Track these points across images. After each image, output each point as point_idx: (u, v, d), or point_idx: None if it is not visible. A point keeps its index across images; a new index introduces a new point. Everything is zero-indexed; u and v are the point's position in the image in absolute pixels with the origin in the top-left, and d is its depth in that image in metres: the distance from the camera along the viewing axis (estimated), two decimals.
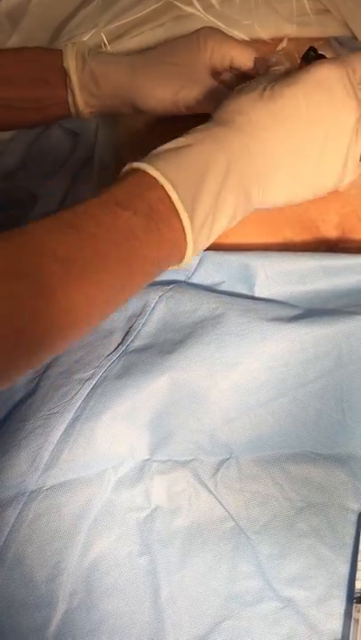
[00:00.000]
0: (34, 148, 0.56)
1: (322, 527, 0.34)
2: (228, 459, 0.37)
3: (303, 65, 0.41)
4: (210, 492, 0.35)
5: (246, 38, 0.59)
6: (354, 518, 0.35)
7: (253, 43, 0.48)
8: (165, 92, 0.46)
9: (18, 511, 0.34)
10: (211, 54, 0.46)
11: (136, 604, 0.33)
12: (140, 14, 0.58)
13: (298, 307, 0.40)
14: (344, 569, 0.33)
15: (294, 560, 0.33)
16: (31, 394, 0.38)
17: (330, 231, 0.50)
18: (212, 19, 0.59)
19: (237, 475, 0.36)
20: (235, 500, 0.35)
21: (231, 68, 0.48)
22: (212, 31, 0.48)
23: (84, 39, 0.58)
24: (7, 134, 0.60)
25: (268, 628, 0.32)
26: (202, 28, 0.48)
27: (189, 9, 0.59)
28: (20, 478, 0.35)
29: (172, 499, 0.35)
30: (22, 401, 0.38)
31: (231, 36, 0.48)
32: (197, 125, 0.36)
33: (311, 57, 0.44)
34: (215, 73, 0.48)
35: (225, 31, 0.59)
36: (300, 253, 0.43)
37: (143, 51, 0.50)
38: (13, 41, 0.64)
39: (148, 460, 0.36)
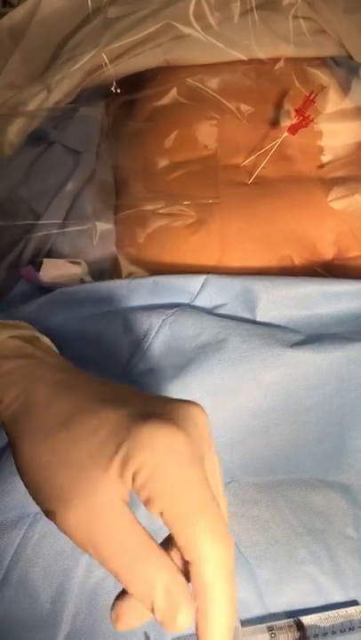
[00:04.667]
0: (36, 165, 0.57)
1: (321, 554, 0.35)
2: (229, 482, 0.37)
3: None
4: None
5: (244, 58, 0.60)
6: (353, 546, 0.35)
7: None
8: None
9: (22, 532, 0.35)
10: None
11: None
12: (140, 35, 0.59)
13: (299, 332, 0.41)
14: (339, 597, 0.34)
15: (292, 587, 0.34)
16: None
17: (326, 249, 0.51)
18: (211, 39, 0.60)
19: (239, 499, 0.36)
20: (236, 523, 0.35)
21: None
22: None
23: (86, 59, 0.59)
24: (9, 151, 0.61)
25: None
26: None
27: (188, 30, 0.60)
28: (25, 500, 0.35)
29: None
30: None
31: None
32: None
33: None
34: None
35: (224, 51, 0.60)
36: (301, 278, 0.44)
37: None
38: (14, 59, 0.65)
39: None
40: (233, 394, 0.37)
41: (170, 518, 0.23)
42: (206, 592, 0.23)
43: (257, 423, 0.38)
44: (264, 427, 0.38)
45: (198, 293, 0.43)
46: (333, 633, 0.33)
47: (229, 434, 0.37)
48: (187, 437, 0.24)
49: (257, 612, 0.33)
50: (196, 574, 0.23)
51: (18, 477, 0.35)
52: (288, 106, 0.57)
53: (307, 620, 0.33)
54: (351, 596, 0.34)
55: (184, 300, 0.44)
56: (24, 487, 0.35)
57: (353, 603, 0.34)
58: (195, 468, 0.24)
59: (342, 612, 0.34)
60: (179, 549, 0.23)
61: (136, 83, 0.61)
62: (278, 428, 0.37)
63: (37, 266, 0.48)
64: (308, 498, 0.36)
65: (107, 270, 0.50)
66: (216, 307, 0.44)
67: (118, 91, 0.60)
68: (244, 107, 0.57)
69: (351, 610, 0.34)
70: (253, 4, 0.60)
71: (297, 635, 0.32)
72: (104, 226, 0.52)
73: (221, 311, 0.43)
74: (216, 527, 0.23)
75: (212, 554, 0.23)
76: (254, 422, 0.38)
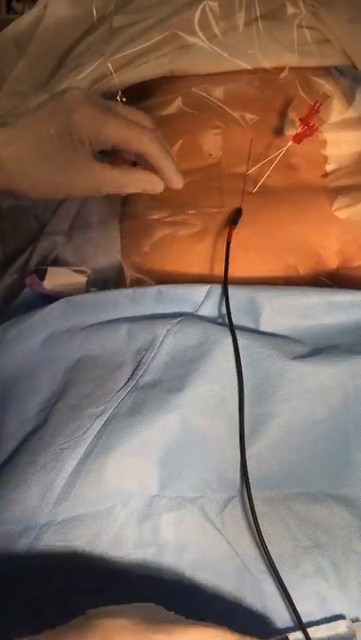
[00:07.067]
0: None
1: (326, 568, 0.35)
2: (235, 496, 0.37)
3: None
4: (217, 529, 0.36)
5: (249, 67, 0.61)
6: (358, 560, 0.35)
7: (132, 122, 0.42)
8: (46, 189, 0.43)
9: (29, 544, 0.35)
10: (89, 143, 0.41)
11: None
12: (145, 44, 0.59)
13: (303, 342, 0.41)
14: (344, 609, 0.34)
15: (298, 601, 0.34)
16: (41, 426, 0.38)
17: (331, 258, 0.51)
18: (216, 48, 0.60)
19: (245, 513, 0.36)
20: (242, 537, 0.35)
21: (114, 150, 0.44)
22: (85, 118, 0.40)
23: (91, 68, 0.59)
24: None
25: None
26: (73, 113, 0.40)
27: (193, 39, 0.60)
28: (31, 512, 0.35)
29: (180, 535, 0.35)
30: (33, 432, 0.38)
31: (108, 115, 0.42)
32: None
33: None
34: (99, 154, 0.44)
35: (228, 60, 0.60)
36: (306, 287, 0.44)
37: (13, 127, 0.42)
38: (20, 66, 0.65)
39: (157, 496, 0.37)
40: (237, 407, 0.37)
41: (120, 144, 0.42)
42: (152, 157, 0.42)
43: (263, 437, 0.37)
44: (271, 441, 0.38)
45: (202, 303, 0.43)
46: None
47: (235, 447, 0.37)
48: None
49: (263, 627, 0.33)
50: (143, 153, 0.42)
51: (25, 487, 0.36)
52: (293, 115, 0.57)
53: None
54: (356, 610, 0.34)
55: (188, 309, 0.44)
56: (31, 498, 0.35)
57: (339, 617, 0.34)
58: None
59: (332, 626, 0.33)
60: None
61: (141, 92, 0.61)
62: (285, 442, 0.37)
63: (42, 274, 0.48)
64: (314, 512, 0.36)
65: (111, 279, 0.50)
66: (220, 316, 0.44)
67: (123, 100, 0.60)
68: (248, 116, 0.58)
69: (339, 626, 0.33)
70: (258, 14, 0.60)
71: None
72: (109, 234, 0.52)
73: (225, 320, 0.43)
74: (125, 127, 0.42)
75: (137, 137, 0.41)
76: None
